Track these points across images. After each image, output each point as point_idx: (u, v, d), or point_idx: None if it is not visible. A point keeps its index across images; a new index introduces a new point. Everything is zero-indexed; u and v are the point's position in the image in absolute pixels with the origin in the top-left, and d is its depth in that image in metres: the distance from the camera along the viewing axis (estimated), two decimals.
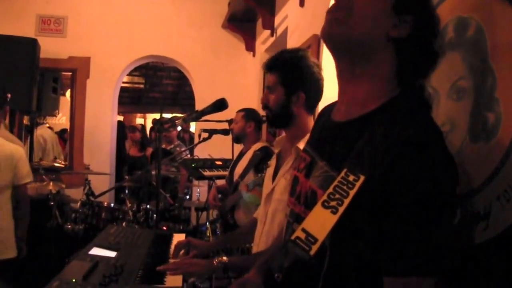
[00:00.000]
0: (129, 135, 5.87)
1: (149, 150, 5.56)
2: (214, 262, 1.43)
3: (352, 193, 0.75)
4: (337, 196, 0.76)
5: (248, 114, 3.05)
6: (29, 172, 2.84)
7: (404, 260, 0.74)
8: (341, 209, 0.74)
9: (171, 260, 1.60)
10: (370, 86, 0.88)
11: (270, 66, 1.57)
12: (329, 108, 1.04)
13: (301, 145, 1.50)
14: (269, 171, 1.71)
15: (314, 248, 0.73)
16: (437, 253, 0.74)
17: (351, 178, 0.76)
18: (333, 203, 0.76)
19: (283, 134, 1.76)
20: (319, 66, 1.57)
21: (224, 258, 1.44)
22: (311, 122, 1.60)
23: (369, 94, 0.88)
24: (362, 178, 0.75)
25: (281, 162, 1.64)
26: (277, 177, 1.60)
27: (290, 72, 1.53)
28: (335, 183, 0.78)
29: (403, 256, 0.74)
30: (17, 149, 2.77)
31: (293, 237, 0.76)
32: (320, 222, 0.75)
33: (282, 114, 1.56)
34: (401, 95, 0.87)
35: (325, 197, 0.77)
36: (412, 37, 0.86)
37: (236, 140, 3.15)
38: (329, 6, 0.91)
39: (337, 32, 0.88)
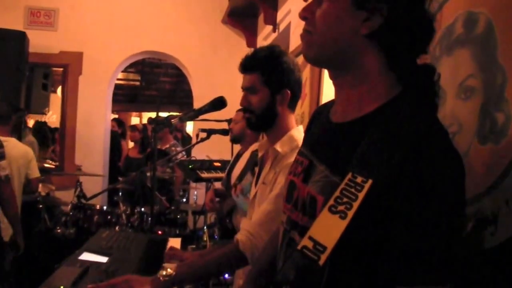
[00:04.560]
0: (129, 134, 5.88)
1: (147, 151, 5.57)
2: (160, 277, 1.28)
3: (361, 195, 0.74)
4: (345, 200, 0.74)
5: None
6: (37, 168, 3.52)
7: (419, 269, 0.73)
8: (350, 214, 0.73)
9: (165, 265, 1.59)
10: (364, 87, 0.88)
11: (248, 67, 1.57)
12: (326, 107, 1.04)
13: (278, 146, 1.54)
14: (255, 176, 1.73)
15: (323, 257, 0.71)
16: (452, 260, 0.74)
17: (359, 180, 0.75)
18: (341, 208, 0.74)
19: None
20: (296, 62, 1.59)
21: (171, 270, 1.29)
22: (292, 120, 1.61)
23: (366, 95, 0.88)
24: (370, 181, 0.75)
25: (263, 166, 1.65)
26: (258, 182, 1.61)
27: (272, 70, 1.54)
28: (342, 186, 0.76)
29: (418, 265, 0.73)
30: (28, 148, 3.55)
31: (299, 247, 0.74)
32: (328, 229, 0.73)
33: (267, 116, 1.57)
34: (402, 94, 0.86)
35: (332, 201, 0.76)
36: (388, 22, 0.83)
37: (235, 140, 3.15)
38: None
39: (311, 55, 0.91)
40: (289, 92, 1.55)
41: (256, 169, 1.76)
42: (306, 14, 0.91)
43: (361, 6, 0.84)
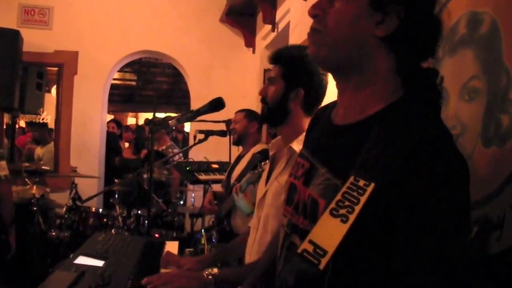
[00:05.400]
0: (123, 135, 5.91)
1: (144, 153, 5.57)
2: (204, 274, 1.41)
3: (363, 199, 0.73)
4: (346, 203, 0.74)
5: (250, 114, 3.07)
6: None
7: (423, 274, 0.73)
8: (352, 218, 0.73)
9: (162, 270, 1.60)
10: (370, 90, 0.88)
11: (275, 58, 1.61)
12: (327, 108, 1.04)
13: (295, 145, 1.52)
14: (263, 175, 1.73)
15: (324, 261, 0.71)
16: (457, 265, 0.74)
17: (361, 183, 0.75)
18: (342, 211, 0.74)
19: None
20: None
21: (215, 269, 1.42)
22: (307, 123, 1.61)
23: (370, 97, 0.88)
24: (372, 185, 0.74)
25: (274, 165, 1.65)
26: (269, 180, 1.61)
27: (293, 67, 1.56)
28: (344, 189, 0.76)
29: (421, 269, 0.73)
30: None
31: (299, 250, 0.74)
32: (329, 232, 0.73)
33: (278, 109, 1.59)
34: (406, 95, 0.86)
35: (333, 205, 0.76)
36: (404, 25, 0.83)
37: (238, 141, 3.14)
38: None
39: (321, 56, 0.89)
40: (302, 92, 1.56)
41: (266, 167, 1.75)
42: (317, 12, 0.88)
43: (378, 8, 0.82)
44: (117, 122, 7.05)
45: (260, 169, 2.02)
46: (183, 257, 1.86)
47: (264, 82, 4.90)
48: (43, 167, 4.55)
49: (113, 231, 3.54)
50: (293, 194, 0.98)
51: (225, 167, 3.59)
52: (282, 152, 1.59)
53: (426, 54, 0.88)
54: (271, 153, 1.72)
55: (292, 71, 1.56)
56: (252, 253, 1.61)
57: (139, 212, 3.84)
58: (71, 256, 1.59)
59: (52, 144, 5.34)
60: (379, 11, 0.83)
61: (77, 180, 4.18)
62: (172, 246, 1.92)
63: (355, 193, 0.74)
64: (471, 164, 1.04)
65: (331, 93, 1.60)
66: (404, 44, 0.84)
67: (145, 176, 3.74)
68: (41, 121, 5.89)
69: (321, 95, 1.61)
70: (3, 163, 2.96)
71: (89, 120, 5.34)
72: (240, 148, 3.26)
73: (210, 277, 1.39)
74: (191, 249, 2.80)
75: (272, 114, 1.62)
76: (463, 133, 1.12)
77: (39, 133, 5.51)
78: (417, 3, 0.84)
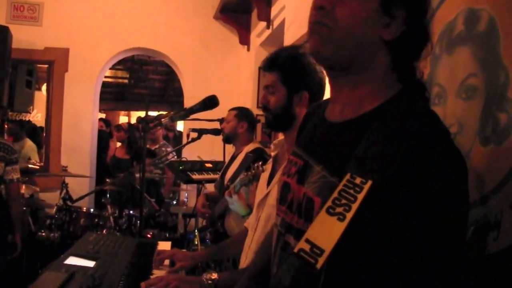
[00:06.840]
0: (114, 135, 5.88)
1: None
2: (204, 279, 1.41)
3: (360, 197, 0.73)
4: (343, 201, 0.74)
5: (241, 113, 3.06)
6: None
7: (420, 273, 0.74)
8: (349, 216, 0.73)
9: (155, 271, 1.59)
10: (367, 87, 0.89)
11: (269, 65, 1.58)
12: (320, 106, 1.04)
13: None
14: (264, 175, 1.73)
15: (321, 260, 0.71)
16: (455, 265, 0.75)
17: (358, 180, 0.75)
18: (339, 209, 0.74)
19: (281, 136, 1.77)
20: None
21: (214, 275, 1.42)
22: None
23: (367, 94, 0.88)
24: (369, 182, 0.74)
25: (277, 166, 1.65)
26: (272, 182, 1.62)
27: (291, 71, 1.54)
28: (340, 187, 0.76)
29: (419, 269, 0.74)
30: None
31: (296, 250, 0.75)
32: (326, 231, 0.73)
33: (283, 116, 1.56)
34: (402, 92, 0.87)
35: (329, 203, 0.76)
36: (407, 32, 0.86)
37: (226, 140, 3.15)
38: (309, 15, 0.90)
39: (327, 52, 0.88)
40: (307, 94, 1.54)
41: (267, 167, 1.75)
42: (325, 4, 0.87)
43: (387, 11, 0.85)
44: (105, 121, 7.04)
45: (253, 171, 2.02)
46: (175, 249, 1.85)
47: (259, 81, 4.92)
48: (30, 165, 4.53)
49: (104, 231, 3.53)
50: (287, 192, 0.98)
51: (219, 166, 3.59)
52: (286, 154, 1.58)
53: (417, 56, 0.90)
54: (273, 153, 1.72)
55: (292, 75, 1.53)
56: (249, 253, 1.62)
57: (131, 212, 3.83)
58: (61, 256, 1.59)
59: (25, 141, 5.27)
60: (387, 15, 0.85)
61: (67, 179, 4.16)
62: (164, 247, 1.92)
63: (351, 191, 0.74)
64: (469, 163, 1.05)
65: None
66: (403, 47, 0.87)
67: (137, 175, 3.73)
68: (16, 119, 5.80)
69: (322, 93, 1.59)
70: (17, 167, 3.12)
71: (80, 118, 5.32)
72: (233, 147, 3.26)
73: (209, 282, 1.40)
74: (184, 250, 2.79)
75: (278, 122, 1.59)
76: (461, 131, 1.12)
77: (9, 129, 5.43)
78: (420, 10, 0.87)
